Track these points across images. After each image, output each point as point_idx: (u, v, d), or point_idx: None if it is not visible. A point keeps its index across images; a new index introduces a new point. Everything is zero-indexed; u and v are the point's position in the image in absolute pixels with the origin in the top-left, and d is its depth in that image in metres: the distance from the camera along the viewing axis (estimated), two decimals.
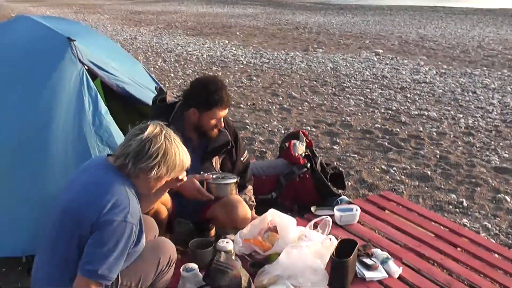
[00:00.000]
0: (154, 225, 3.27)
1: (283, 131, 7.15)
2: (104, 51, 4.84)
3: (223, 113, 3.68)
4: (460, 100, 8.65)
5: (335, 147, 6.57)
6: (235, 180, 3.59)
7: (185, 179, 3.11)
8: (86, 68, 4.22)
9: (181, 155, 2.73)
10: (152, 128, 2.66)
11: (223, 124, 3.75)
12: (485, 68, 11.04)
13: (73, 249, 2.53)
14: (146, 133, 2.62)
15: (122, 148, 2.65)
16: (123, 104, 5.18)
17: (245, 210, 3.70)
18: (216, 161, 3.86)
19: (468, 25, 18.58)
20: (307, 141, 5.00)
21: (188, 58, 13.15)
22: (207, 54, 13.60)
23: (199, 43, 15.72)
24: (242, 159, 3.98)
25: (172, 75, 10.90)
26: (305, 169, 4.59)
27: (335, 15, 24.07)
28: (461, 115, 7.85)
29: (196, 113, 3.64)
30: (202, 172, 3.62)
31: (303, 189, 4.56)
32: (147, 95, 4.86)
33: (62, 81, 4.04)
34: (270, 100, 8.86)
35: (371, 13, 24.38)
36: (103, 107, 4.11)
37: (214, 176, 3.57)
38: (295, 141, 4.80)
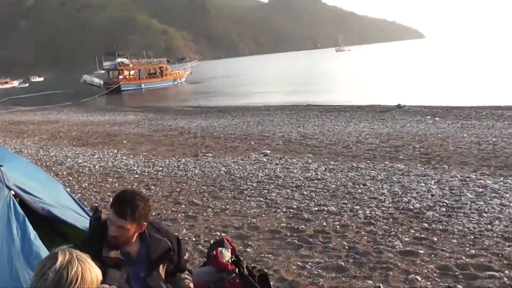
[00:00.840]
0: None
1: (194, 239, 7.30)
2: (27, 174, 4.87)
3: (117, 221, 3.76)
4: (353, 193, 9.16)
5: (248, 249, 6.78)
6: None
7: None
8: (13, 193, 4.25)
9: (95, 271, 2.74)
10: (62, 255, 2.66)
11: (113, 233, 3.79)
12: (369, 161, 11.76)
13: None
14: (59, 262, 2.63)
15: (38, 283, 2.62)
16: (43, 226, 5.17)
17: None
18: (161, 268, 3.99)
19: (343, 121, 19.65)
20: (231, 247, 5.19)
21: (81, 170, 13.06)
22: (99, 165, 13.56)
23: (88, 154, 15.63)
24: (185, 258, 4.23)
25: (69, 189, 10.66)
26: (234, 274, 4.76)
27: (215, 118, 24.75)
28: (358, 207, 8.33)
29: None
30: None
31: None
32: (72, 216, 4.92)
33: None
34: (174, 209, 8.98)
35: (250, 114, 25.27)
36: (32, 232, 4.13)
37: None
38: (221, 248, 4.98)
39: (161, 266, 4.01)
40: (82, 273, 2.64)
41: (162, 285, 3.97)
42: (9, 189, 4.22)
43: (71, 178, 11.99)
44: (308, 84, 47.87)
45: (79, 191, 10.64)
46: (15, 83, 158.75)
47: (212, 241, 6.04)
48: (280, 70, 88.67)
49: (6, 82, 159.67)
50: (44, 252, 4.04)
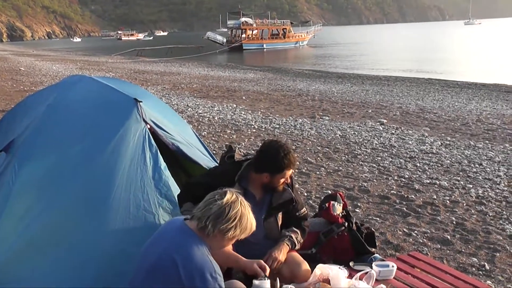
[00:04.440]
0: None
1: (305, 194, 7.56)
2: (160, 111, 5.25)
3: (291, 172, 4.14)
4: (468, 171, 9.03)
5: (357, 210, 6.97)
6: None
7: None
8: (148, 127, 4.63)
9: (251, 220, 3.19)
10: (229, 195, 3.12)
11: (289, 180, 4.21)
12: (487, 142, 11.46)
13: None
14: (225, 199, 3.09)
15: (203, 211, 3.10)
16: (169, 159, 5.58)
17: (307, 267, 4.07)
18: (280, 216, 4.24)
19: (464, 98, 18.99)
20: (343, 202, 5.38)
21: (201, 120, 13.65)
22: (218, 117, 14.11)
23: (208, 106, 16.27)
24: (297, 214, 4.32)
25: None
26: (343, 227, 4.98)
27: (334, 83, 24.77)
28: (470, 185, 8.22)
29: (268, 177, 4.07)
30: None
31: (340, 246, 4.92)
32: (196, 154, 5.28)
33: (127, 137, 4.42)
34: None
35: (369, 83, 25.03)
36: (162, 163, 4.51)
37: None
38: (333, 202, 5.19)
39: (280, 214, 4.27)
40: (241, 216, 3.12)
41: (276, 231, 4.24)
42: (146, 123, 4.60)
43: (191, 126, 12.45)
44: (431, 58, 46.26)
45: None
46: (141, 36, 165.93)
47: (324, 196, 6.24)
48: (404, 41, 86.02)
49: (132, 35, 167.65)
50: (171, 181, 4.47)
